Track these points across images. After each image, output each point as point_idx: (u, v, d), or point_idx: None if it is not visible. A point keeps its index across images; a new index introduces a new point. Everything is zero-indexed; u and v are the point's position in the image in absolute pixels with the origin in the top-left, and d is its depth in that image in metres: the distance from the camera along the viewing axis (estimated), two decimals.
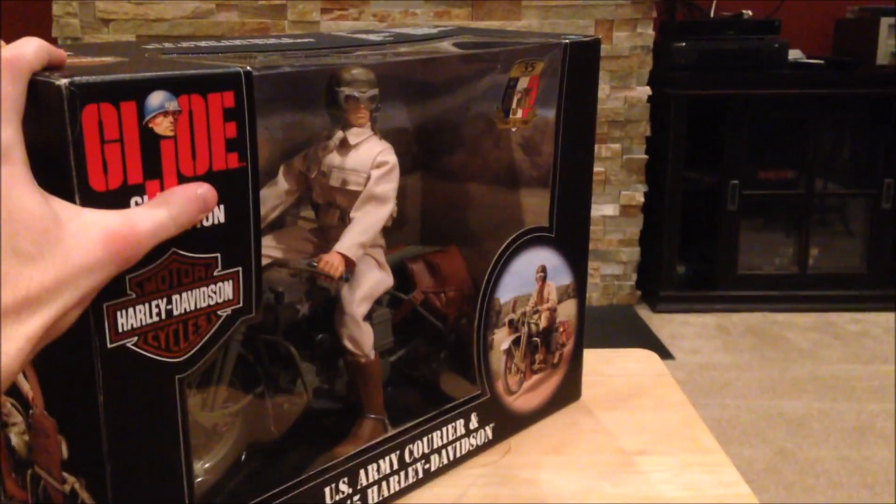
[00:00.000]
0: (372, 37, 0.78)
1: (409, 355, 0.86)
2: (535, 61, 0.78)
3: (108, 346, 0.51)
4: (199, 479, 0.66)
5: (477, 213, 0.90)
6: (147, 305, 0.52)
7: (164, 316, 0.53)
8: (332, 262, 0.74)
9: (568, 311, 0.87)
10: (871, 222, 3.33)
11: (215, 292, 0.55)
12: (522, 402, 0.84)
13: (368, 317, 0.78)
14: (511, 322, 0.82)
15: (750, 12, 3.39)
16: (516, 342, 0.83)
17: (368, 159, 0.76)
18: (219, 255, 0.55)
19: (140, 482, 0.55)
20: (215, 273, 0.55)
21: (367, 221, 0.76)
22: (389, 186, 0.76)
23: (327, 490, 0.69)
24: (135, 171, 0.50)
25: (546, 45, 0.79)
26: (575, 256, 0.86)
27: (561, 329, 0.86)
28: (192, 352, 0.55)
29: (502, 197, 0.89)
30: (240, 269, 0.56)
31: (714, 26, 3.41)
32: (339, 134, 0.76)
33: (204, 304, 0.55)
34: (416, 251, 0.87)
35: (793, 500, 2.14)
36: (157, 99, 0.50)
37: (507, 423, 0.84)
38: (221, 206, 0.54)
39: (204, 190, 0.53)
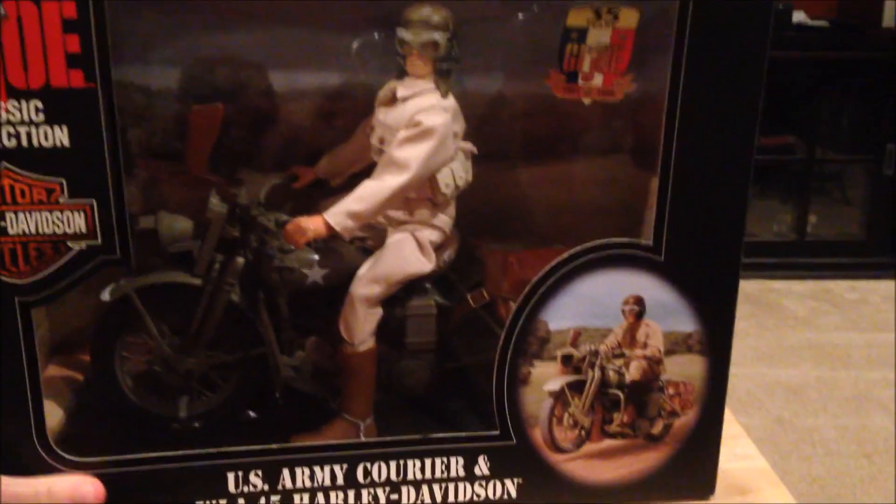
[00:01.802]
0: None
1: (450, 361, 0.70)
2: (617, 8, 0.56)
3: None
4: (181, 417, 0.66)
5: (547, 210, 0.71)
6: None
7: None
8: (299, 227, 0.61)
9: (686, 369, 0.63)
10: (872, 189, 3.21)
11: (62, 221, 0.52)
12: (584, 469, 0.63)
13: (398, 304, 0.65)
14: (568, 359, 0.61)
15: None
16: (576, 386, 0.62)
17: (406, 116, 0.62)
18: (63, 181, 0.51)
19: None
20: (60, 200, 0.51)
21: (370, 189, 0.62)
22: (414, 152, 0.61)
23: (231, 475, 0.59)
24: None
25: None
26: (703, 296, 0.61)
27: (671, 391, 0.63)
28: (38, 277, 0.53)
29: (584, 194, 0.70)
30: (93, 201, 0.52)
31: None
32: (391, 85, 0.63)
33: (48, 231, 0.52)
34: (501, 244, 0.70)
35: (790, 469, 2.04)
36: None
37: (553, 489, 0.63)
38: (64, 128, 0.50)
39: None
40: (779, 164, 3.25)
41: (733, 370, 0.65)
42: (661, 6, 0.55)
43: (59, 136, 0.50)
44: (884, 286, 3.06)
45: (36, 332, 0.54)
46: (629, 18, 0.55)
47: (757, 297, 2.98)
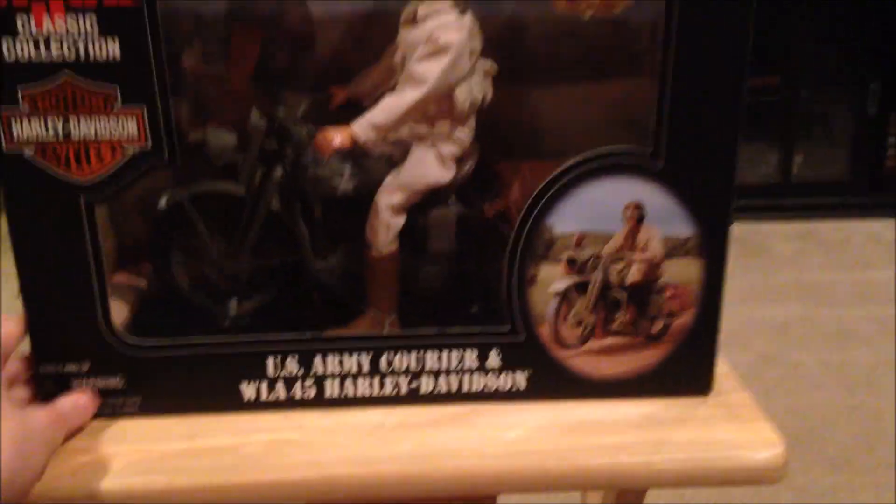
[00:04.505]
0: None
1: (468, 265, 0.74)
2: None
3: (3, 150, 0.58)
4: (231, 316, 0.74)
5: (563, 128, 0.74)
6: (41, 120, 0.57)
7: (61, 135, 0.58)
8: (326, 136, 0.67)
9: (684, 272, 0.66)
10: (856, 128, 3.21)
11: (117, 126, 0.58)
12: (588, 364, 0.67)
13: (421, 213, 0.71)
14: (573, 261, 0.65)
15: None
16: (581, 287, 0.66)
17: (425, 34, 0.66)
18: (117, 89, 0.58)
19: (48, 294, 0.62)
20: (115, 107, 0.58)
21: (391, 102, 0.67)
22: (431, 68, 0.66)
23: (270, 360, 0.66)
24: None
25: None
26: (700, 201, 0.64)
27: (669, 293, 0.67)
28: (100, 177, 0.59)
29: (600, 114, 0.72)
30: (143, 108, 0.58)
31: None
32: (413, 5, 0.66)
33: (106, 135, 0.59)
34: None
35: (775, 402, 2.09)
36: None
37: (559, 382, 0.68)
38: (116, 42, 0.56)
39: None
40: (764, 105, 3.23)
41: None
42: None
43: (113, 49, 0.57)
44: (866, 225, 3.09)
45: (103, 240, 0.60)
46: None
47: (743, 240, 3.01)
